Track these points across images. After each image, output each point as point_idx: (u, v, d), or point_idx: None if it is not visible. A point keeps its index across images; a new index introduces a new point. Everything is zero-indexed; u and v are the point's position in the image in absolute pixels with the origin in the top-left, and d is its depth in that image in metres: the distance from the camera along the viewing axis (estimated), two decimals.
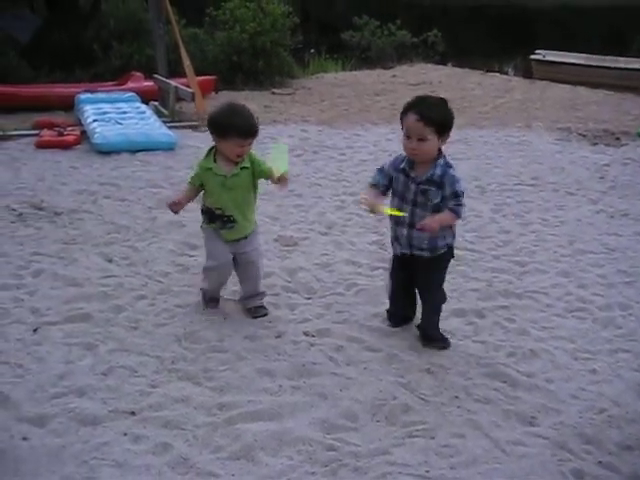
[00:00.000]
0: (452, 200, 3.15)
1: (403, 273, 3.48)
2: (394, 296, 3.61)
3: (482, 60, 16.93)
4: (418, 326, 3.52)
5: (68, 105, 8.13)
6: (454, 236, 3.41)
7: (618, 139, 8.10)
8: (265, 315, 3.64)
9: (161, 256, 4.35)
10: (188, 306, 3.71)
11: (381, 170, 3.36)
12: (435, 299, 3.48)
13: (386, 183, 3.32)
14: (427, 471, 2.57)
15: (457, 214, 3.22)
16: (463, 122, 8.82)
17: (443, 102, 3.20)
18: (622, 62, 13.88)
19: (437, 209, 3.18)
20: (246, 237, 3.54)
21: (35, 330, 3.41)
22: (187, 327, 3.49)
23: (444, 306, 3.86)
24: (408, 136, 3.12)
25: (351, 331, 3.54)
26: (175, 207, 3.54)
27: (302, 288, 4.02)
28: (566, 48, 15.14)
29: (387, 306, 3.67)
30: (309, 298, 3.93)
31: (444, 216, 3.19)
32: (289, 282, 4.08)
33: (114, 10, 10.72)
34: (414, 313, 3.62)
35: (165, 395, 2.93)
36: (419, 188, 3.17)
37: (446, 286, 4.11)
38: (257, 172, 3.44)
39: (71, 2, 9.95)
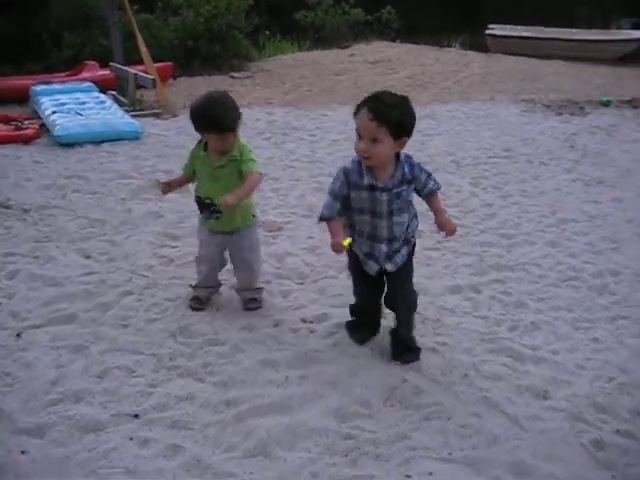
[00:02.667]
0: (429, 182, 2.94)
1: (375, 288, 3.11)
2: (362, 311, 3.25)
3: (432, 36, 16.91)
4: (394, 334, 3.13)
5: (22, 98, 7.77)
6: (417, 219, 3.08)
7: (582, 108, 8.17)
8: (257, 309, 3.50)
9: (142, 249, 4.16)
10: (178, 299, 3.54)
11: (334, 195, 2.87)
12: (411, 298, 3.11)
13: (340, 209, 2.89)
14: (449, 453, 2.50)
15: (439, 187, 3.03)
16: (428, 98, 8.83)
17: (403, 100, 2.78)
18: (574, 34, 14.04)
19: (410, 204, 2.95)
20: (238, 231, 3.38)
21: (18, 335, 3.21)
22: (180, 321, 3.33)
23: (439, 283, 3.82)
24: (360, 135, 2.74)
25: (347, 313, 3.43)
26: (165, 188, 3.46)
27: (293, 274, 3.90)
28: (515, 21, 15.25)
29: None
30: (301, 283, 3.81)
31: (440, 203, 3.06)
32: (278, 268, 3.95)
33: None
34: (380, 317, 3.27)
35: (167, 394, 2.78)
36: (393, 194, 2.83)
37: (438, 263, 4.10)
38: (240, 168, 3.27)
39: None
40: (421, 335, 3.26)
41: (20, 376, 2.89)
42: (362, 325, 3.25)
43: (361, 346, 3.15)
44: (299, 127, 7.09)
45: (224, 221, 3.33)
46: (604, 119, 7.67)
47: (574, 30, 15.00)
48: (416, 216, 3.06)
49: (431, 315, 3.47)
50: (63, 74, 8.77)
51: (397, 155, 2.83)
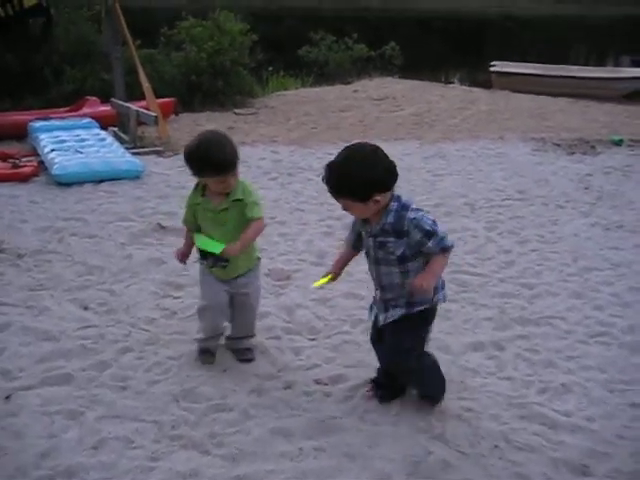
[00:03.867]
0: (427, 243, 2.59)
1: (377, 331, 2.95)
2: (381, 369, 3.07)
3: (431, 72, 16.93)
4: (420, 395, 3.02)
5: (20, 134, 7.59)
6: (443, 287, 2.82)
7: (593, 147, 8.01)
8: (252, 360, 3.28)
9: (143, 300, 3.91)
10: (181, 357, 3.29)
11: (351, 226, 2.91)
12: (404, 368, 2.88)
13: (355, 238, 2.88)
14: None
15: (445, 249, 2.64)
16: (436, 136, 8.67)
17: (363, 161, 2.56)
18: (579, 71, 14.03)
19: (403, 260, 2.65)
20: (243, 275, 3.17)
21: (7, 397, 2.95)
22: (184, 383, 3.07)
23: (460, 339, 3.58)
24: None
25: (367, 375, 3.17)
26: (183, 258, 3.31)
27: (304, 328, 3.65)
28: (512, 57, 15.26)
29: None
30: (313, 339, 3.56)
31: (434, 264, 2.65)
32: (288, 322, 3.70)
33: (64, 33, 10.15)
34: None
35: (170, 470, 2.52)
36: (376, 242, 2.67)
37: (457, 316, 3.86)
38: (246, 211, 3.06)
39: (21, 25, 9.34)
40: (445, 399, 3.02)
41: (8, 447, 2.63)
42: (382, 384, 3.03)
43: (382, 411, 2.89)
44: (305, 167, 6.89)
45: (231, 269, 3.12)
46: (617, 159, 7.49)
47: (577, 67, 15.03)
48: (439, 285, 2.77)
49: (454, 376, 3.21)
50: (63, 109, 8.61)
51: (390, 201, 2.63)
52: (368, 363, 3.27)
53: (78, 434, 2.72)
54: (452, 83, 14.86)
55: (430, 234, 2.59)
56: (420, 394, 2.98)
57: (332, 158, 2.64)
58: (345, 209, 2.67)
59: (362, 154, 2.60)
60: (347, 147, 2.65)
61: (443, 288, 2.82)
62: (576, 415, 2.97)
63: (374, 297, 2.89)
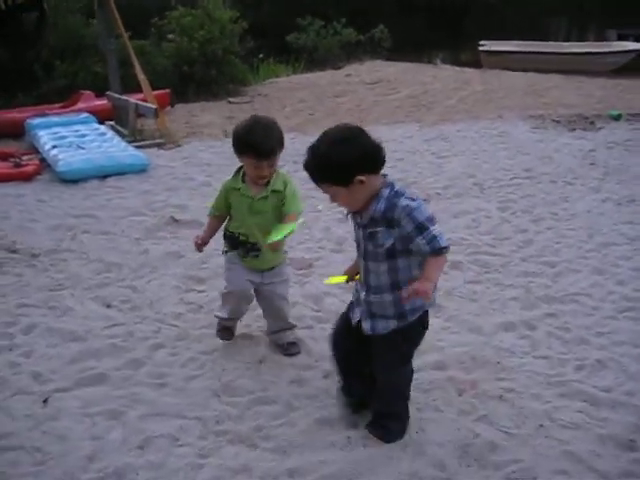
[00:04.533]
0: (418, 238, 2.31)
1: (350, 343, 2.66)
2: (340, 367, 2.78)
3: (415, 53, 16.81)
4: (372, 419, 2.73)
5: (17, 132, 7.47)
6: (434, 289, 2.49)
7: (593, 123, 8.01)
8: (298, 353, 3.25)
9: (166, 295, 3.87)
10: (215, 351, 3.26)
11: None
12: (393, 384, 2.65)
13: None
14: None
15: (439, 251, 2.33)
16: (435, 118, 8.64)
17: (332, 145, 2.33)
18: (568, 47, 14.02)
19: (392, 255, 2.40)
20: (272, 268, 3.14)
21: (45, 401, 2.90)
22: (221, 377, 3.04)
23: (490, 320, 3.57)
24: None
25: None
26: (201, 247, 3.23)
27: (334, 316, 3.51)
28: (497, 35, 15.19)
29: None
30: None
31: (428, 269, 2.35)
32: (318, 311, 3.68)
33: (52, 27, 9.98)
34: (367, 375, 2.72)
35: (220, 466, 2.49)
36: (366, 233, 2.44)
37: (484, 297, 3.85)
38: (283, 204, 3.02)
39: (13, 20, 9.15)
40: (483, 380, 3.02)
41: (52, 451, 2.59)
42: (348, 390, 2.78)
43: (422, 397, 2.88)
44: None
45: (263, 260, 3.10)
46: (618, 134, 7.50)
47: (566, 43, 15.02)
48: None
49: (490, 357, 3.21)
50: (58, 105, 8.48)
51: (380, 188, 2.39)
52: None
53: (122, 434, 2.68)
54: (435, 64, 14.70)
55: (421, 228, 2.31)
56: (383, 424, 2.67)
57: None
58: (333, 200, 2.45)
59: (339, 135, 2.38)
60: (325, 130, 2.44)
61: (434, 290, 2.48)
62: (616, 390, 2.97)
63: (357, 296, 2.61)
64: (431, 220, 2.34)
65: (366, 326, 2.54)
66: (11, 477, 2.44)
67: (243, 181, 3.04)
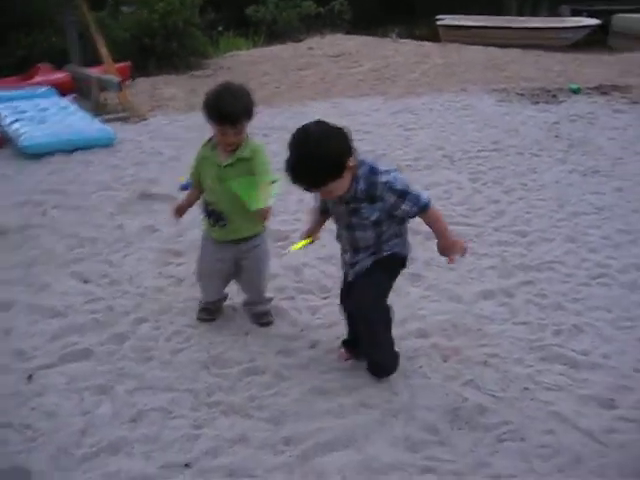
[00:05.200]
0: (402, 205, 2.51)
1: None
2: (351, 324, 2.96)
3: (373, 28, 16.75)
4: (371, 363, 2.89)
5: None
6: (405, 245, 2.75)
7: (555, 96, 8.15)
8: (271, 323, 3.26)
9: (144, 269, 3.82)
10: (200, 325, 3.24)
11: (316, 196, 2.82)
12: (373, 311, 2.74)
13: (322, 205, 2.80)
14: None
15: (424, 207, 2.53)
16: (399, 91, 8.66)
17: (319, 144, 2.39)
18: (525, 21, 14.18)
19: (378, 224, 2.59)
20: (247, 239, 3.11)
21: (29, 377, 2.85)
22: (209, 350, 3.03)
23: (469, 289, 3.63)
24: None
25: None
26: (177, 213, 3.19)
27: (315, 287, 3.64)
28: (447, 11, 15.26)
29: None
30: (326, 297, 3.55)
31: (438, 230, 2.62)
32: (299, 282, 3.69)
33: None
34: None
35: (217, 437, 2.50)
36: (349, 208, 2.58)
37: (461, 267, 3.91)
38: (254, 172, 2.98)
39: None
40: (466, 346, 3.09)
41: (42, 427, 2.55)
42: (354, 342, 2.95)
43: (409, 364, 2.93)
44: (278, 126, 6.76)
45: (230, 229, 3.06)
46: (579, 107, 7.65)
47: (523, 18, 15.20)
48: (401, 239, 2.71)
49: (471, 324, 3.28)
50: (15, 78, 8.19)
51: (357, 169, 2.51)
52: None
53: (112, 409, 2.66)
54: (392, 39, 14.68)
55: (403, 194, 2.50)
56: (374, 361, 2.85)
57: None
58: (326, 196, 2.55)
59: (317, 134, 2.43)
60: (293, 142, 2.46)
61: (404, 246, 2.76)
62: (593, 353, 3.07)
63: (344, 262, 2.82)
64: (407, 184, 2.53)
65: (351, 272, 2.76)
66: (3, 455, 2.40)
67: (213, 149, 3.01)
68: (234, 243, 3.10)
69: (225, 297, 3.37)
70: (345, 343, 3.00)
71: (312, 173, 2.42)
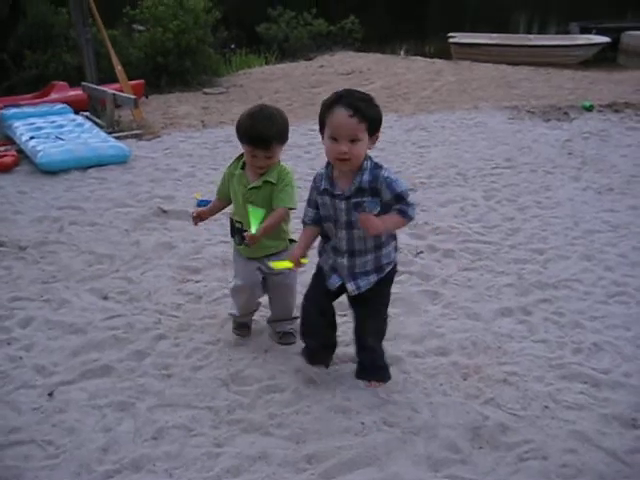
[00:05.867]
0: (396, 206, 2.58)
1: (328, 306, 2.90)
2: (311, 326, 2.93)
3: (382, 45, 16.89)
4: (359, 360, 2.95)
5: None
6: (397, 249, 2.85)
7: (567, 114, 8.16)
8: (292, 343, 3.24)
9: (163, 286, 3.84)
10: (219, 341, 3.25)
11: (309, 201, 2.78)
12: (380, 328, 2.89)
13: (314, 212, 2.77)
14: None
15: (406, 216, 2.61)
16: (412, 108, 8.71)
17: (369, 96, 2.59)
18: (536, 39, 14.24)
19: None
20: (273, 255, 3.10)
21: (50, 394, 2.86)
22: (229, 367, 3.04)
23: (488, 307, 3.63)
24: (336, 138, 2.50)
25: (406, 346, 3.21)
26: (196, 220, 3.19)
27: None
28: (457, 29, 15.35)
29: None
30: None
31: (391, 217, 2.59)
32: None
33: (20, 16, 9.72)
34: (336, 341, 3.02)
35: (238, 454, 2.49)
36: (350, 204, 2.59)
37: (479, 284, 3.91)
38: (274, 197, 2.99)
39: None
40: (486, 364, 3.08)
41: (64, 444, 2.56)
42: (314, 348, 2.97)
43: (430, 382, 2.93)
44: (291, 144, 6.75)
45: (254, 248, 3.05)
46: (592, 124, 7.66)
47: (533, 36, 15.26)
48: (395, 243, 2.79)
49: (490, 342, 3.27)
50: (31, 95, 8.29)
51: (362, 160, 2.58)
52: (405, 335, 3.30)
53: (134, 426, 2.66)
54: (401, 56, 14.77)
55: (400, 197, 2.57)
56: (371, 371, 2.90)
57: (316, 132, 2.62)
58: (348, 149, 2.49)
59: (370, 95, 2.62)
60: (348, 88, 2.64)
61: (397, 250, 2.85)
62: (613, 372, 3.05)
63: (330, 266, 2.78)
64: (407, 192, 2.60)
65: (351, 287, 2.74)
66: (26, 471, 2.40)
67: (243, 168, 3.02)
68: (260, 259, 3.11)
69: (255, 311, 3.34)
70: (303, 352, 3.01)
71: (367, 104, 2.51)
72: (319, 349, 2.98)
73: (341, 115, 2.46)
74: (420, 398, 2.82)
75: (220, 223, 4.66)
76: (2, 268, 4.07)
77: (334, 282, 2.77)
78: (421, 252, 4.21)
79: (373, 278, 2.71)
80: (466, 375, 3.01)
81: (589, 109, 8.33)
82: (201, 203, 4.84)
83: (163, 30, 9.86)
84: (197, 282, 3.88)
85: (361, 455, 2.48)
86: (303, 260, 2.78)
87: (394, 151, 6.64)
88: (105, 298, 3.71)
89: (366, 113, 2.48)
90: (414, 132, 7.43)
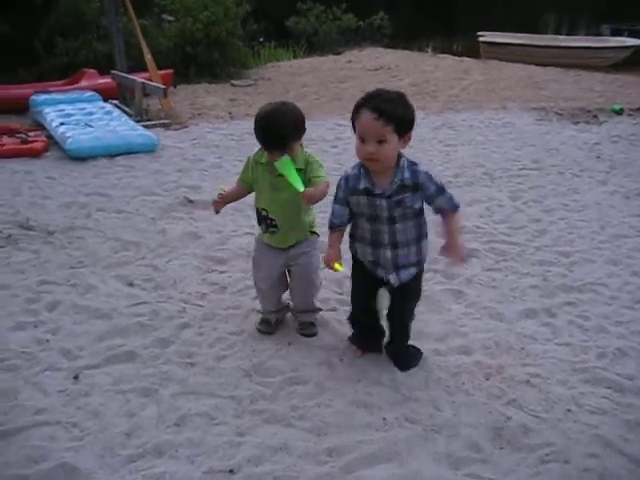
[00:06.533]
0: (440, 197, 2.67)
1: (374, 296, 2.98)
2: (362, 320, 3.09)
3: (406, 42, 16.78)
4: (390, 345, 3.09)
5: (20, 108, 7.37)
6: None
7: (596, 117, 8.07)
8: (314, 335, 3.26)
9: (188, 275, 3.87)
10: (243, 332, 3.27)
11: (340, 201, 2.79)
12: (412, 312, 3.03)
13: (349, 216, 2.81)
14: None
15: (457, 207, 2.73)
16: (440, 106, 8.66)
17: (401, 96, 2.64)
18: (566, 40, 14.07)
19: (419, 214, 2.75)
20: (295, 245, 3.12)
21: (76, 377, 2.90)
22: (252, 358, 3.06)
23: (512, 308, 3.61)
24: (363, 139, 2.57)
25: (429, 344, 3.20)
26: (218, 204, 3.19)
27: None
28: (485, 28, 15.20)
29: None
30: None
31: (452, 226, 2.72)
32: (341, 294, 3.68)
33: (52, 3, 9.84)
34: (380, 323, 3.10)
35: (260, 445, 2.51)
36: (392, 201, 2.66)
37: (503, 285, 3.90)
38: (309, 177, 3.02)
39: None
40: (509, 365, 3.06)
41: (89, 427, 2.60)
42: (366, 335, 3.13)
43: (452, 381, 2.92)
44: (317, 138, 6.83)
45: (280, 237, 3.09)
46: (621, 128, 7.57)
47: (564, 37, 15.08)
48: (426, 236, 2.86)
49: (514, 343, 3.26)
50: (61, 82, 8.38)
51: (398, 159, 2.65)
52: (428, 333, 3.30)
53: (157, 412, 2.69)
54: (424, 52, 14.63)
55: (442, 189, 2.68)
56: (407, 353, 3.06)
57: (343, 127, 2.61)
58: (376, 150, 2.53)
59: (404, 94, 2.67)
60: (380, 88, 2.68)
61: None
62: (638, 378, 3.01)
63: (372, 262, 2.83)
64: (443, 184, 2.70)
65: (393, 279, 2.82)
66: (51, 452, 2.44)
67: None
68: (284, 250, 3.13)
69: (286, 307, 3.37)
70: (353, 339, 3.16)
71: (395, 105, 2.55)
72: (370, 335, 3.11)
73: (366, 118, 2.53)
74: (442, 396, 2.82)
75: (246, 215, 4.69)
76: (31, 252, 4.13)
77: (381, 275, 2.86)
78: None
79: (413, 271, 2.83)
80: (489, 375, 3.00)
81: (619, 112, 8.23)
82: None
83: (193, 20, 9.91)
84: (222, 272, 3.91)
85: (382, 450, 2.49)
86: (338, 267, 2.82)
87: (421, 149, 6.61)
88: (131, 285, 3.75)
89: (393, 115, 2.51)
90: (441, 130, 7.39)
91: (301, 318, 3.31)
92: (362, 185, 2.67)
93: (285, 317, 3.39)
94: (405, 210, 2.68)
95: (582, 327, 3.45)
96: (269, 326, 3.30)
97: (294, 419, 2.67)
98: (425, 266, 2.95)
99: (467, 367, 3.05)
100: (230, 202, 3.26)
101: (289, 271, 3.21)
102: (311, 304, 3.30)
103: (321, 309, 3.38)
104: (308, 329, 3.29)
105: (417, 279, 2.90)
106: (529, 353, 3.19)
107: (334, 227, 2.84)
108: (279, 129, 2.85)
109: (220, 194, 3.19)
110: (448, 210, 2.71)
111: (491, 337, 3.30)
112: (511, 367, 3.05)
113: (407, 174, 2.63)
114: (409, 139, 2.63)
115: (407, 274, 2.83)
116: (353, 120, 2.62)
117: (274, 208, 3.04)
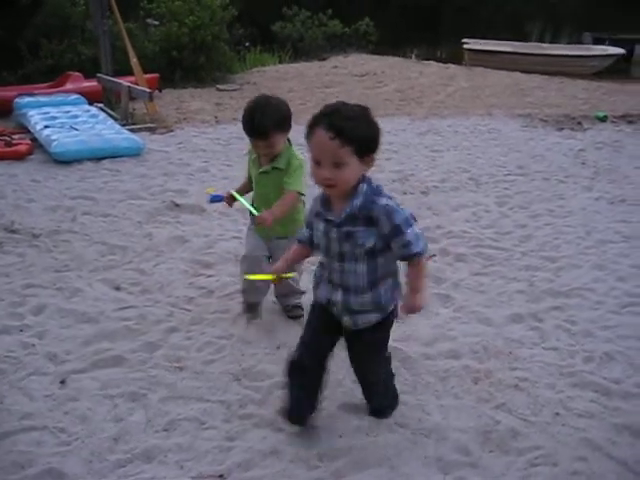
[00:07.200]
0: (395, 240, 2.22)
1: (326, 341, 2.53)
2: (300, 369, 2.50)
3: (395, 49, 16.85)
4: (371, 410, 2.73)
5: (3, 110, 7.30)
6: (397, 285, 2.45)
7: (580, 124, 8.16)
8: (301, 317, 3.32)
9: (175, 279, 3.85)
10: (231, 336, 3.25)
11: (307, 224, 2.49)
12: (387, 376, 2.71)
13: (309, 235, 2.46)
14: None
15: (416, 256, 2.25)
16: (425, 112, 8.71)
17: (364, 111, 2.22)
18: (550, 48, 14.22)
19: (372, 255, 2.28)
20: (283, 238, 3.20)
21: (63, 382, 2.87)
22: (241, 362, 3.04)
23: (499, 312, 3.63)
24: (318, 162, 2.17)
25: (417, 348, 3.21)
26: (229, 199, 3.30)
27: None
28: (470, 35, 15.33)
29: None
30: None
31: (413, 280, 2.31)
32: None
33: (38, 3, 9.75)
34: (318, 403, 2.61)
35: (249, 449, 2.49)
36: (342, 232, 2.25)
37: (491, 290, 3.91)
38: (284, 179, 3.11)
39: None
40: (497, 369, 3.08)
41: (76, 432, 2.56)
42: (299, 389, 2.55)
43: (440, 385, 2.92)
44: (304, 143, 6.79)
45: (263, 229, 3.18)
46: (605, 135, 7.65)
47: (547, 45, 15.24)
48: (398, 284, 2.44)
49: (502, 347, 3.27)
50: (45, 85, 8.31)
51: (358, 183, 2.23)
52: (416, 337, 3.30)
53: (145, 416, 2.66)
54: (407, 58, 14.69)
55: (399, 230, 2.21)
56: (375, 407, 2.72)
57: None
58: (337, 164, 2.14)
59: (367, 109, 2.25)
60: (339, 102, 2.29)
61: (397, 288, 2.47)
62: (625, 382, 3.03)
63: (328, 300, 2.43)
64: (408, 222, 2.23)
65: (348, 322, 2.43)
66: (38, 457, 2.41)
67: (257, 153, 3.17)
68: (269, 238, 3.24)
69: (262, 293, 3.42)
70: (282, 410, 2.60)
71: (351, 125, 2.12)
72: (303, 399, 2.55)
73: (322, 137, 2.13)
74: (431, 400, 2.82)
75: (233, 219, 4.69)
76: (16, 255, 4.08)
77: (322, 295, 2.46)
78: (434, 255, 4.21)
79: (374, 317, 2.40)
80: (477, 379, 3.01)
81: (603, 119, 8.32)
82: (214, 198, 4.85)
83: (179, 25, 9.87)
84: (209, 276, 3.89)
85: (372, 455, 2.48)
86: (285, 275, 2.61)
87: (407, 154, 6.64)
88: (117, 289, 3.72)
89: (352, 134, 2.11)
90: (427, 136, 7.43)
91: (284, 302, 3.41)
92: (317, 208, 2.35)
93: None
94: (354, 248, 2.26)
95: (569, 331, 3.47)
96: (255, 311, 3.41)
97: (284, 424, 2.65)
98: None
99: (456, 371, 3.05)
100: (244, 192, 3.35)
101: (273, 257, 3.25)
102: (294, 287, 3.38)
103: (304, 292, 3.41)
104: (295, 311, 3.39)
105: (381, 329, 2.47)
106: (517, 357, 3.20)
107: (298, 240, 2.57)
108: (261, 118, 2.99)
109: (229, 192, 3.32)
110: (405, 258, 2.28)
111: (479, 341, 3.31)
112: (499, 371, 3.06)
113: (358, 202, 2.21)
114: (372, 161, 2.22)
115: (365, 320, 2.40)
116: (307, 137, 2.21)
117: (258, 200, 3.22)
